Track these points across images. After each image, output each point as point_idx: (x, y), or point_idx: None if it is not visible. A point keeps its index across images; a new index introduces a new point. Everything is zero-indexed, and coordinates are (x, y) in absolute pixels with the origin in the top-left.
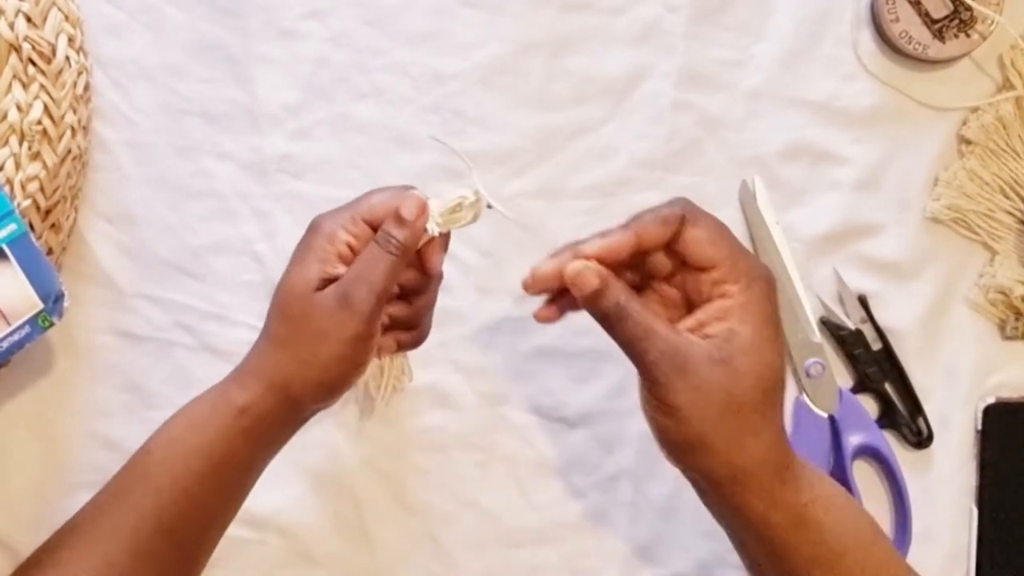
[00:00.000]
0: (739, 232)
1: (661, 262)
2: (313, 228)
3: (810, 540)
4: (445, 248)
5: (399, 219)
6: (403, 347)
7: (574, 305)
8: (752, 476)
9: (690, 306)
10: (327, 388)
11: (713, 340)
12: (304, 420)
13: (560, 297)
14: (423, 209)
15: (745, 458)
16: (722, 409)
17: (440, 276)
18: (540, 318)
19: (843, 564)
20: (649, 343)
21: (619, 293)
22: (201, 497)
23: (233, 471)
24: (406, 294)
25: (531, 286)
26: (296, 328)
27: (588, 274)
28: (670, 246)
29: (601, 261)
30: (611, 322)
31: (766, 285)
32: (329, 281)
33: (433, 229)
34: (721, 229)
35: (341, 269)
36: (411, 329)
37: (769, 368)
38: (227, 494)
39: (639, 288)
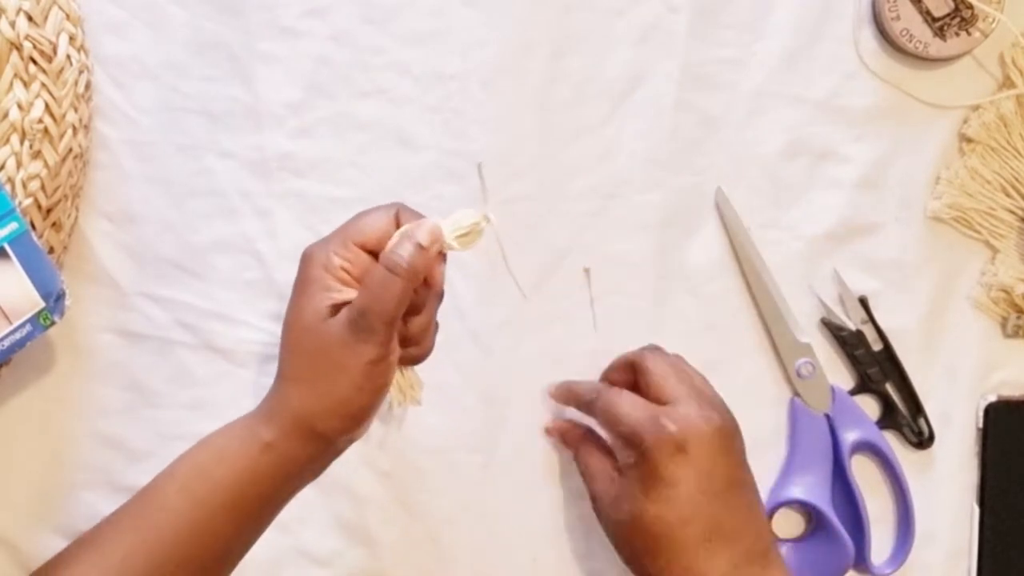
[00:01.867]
0: (720, 238)
1: None
2: (306, 259)
3: None
4: (444, 262)
5: (412, 242)
6: (409, 362)
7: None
8: None
9: None
10: (350, 418)
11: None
12: (337, 453)
13: None
14: (438, 235)
15: None
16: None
17: (441, 293)
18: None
19: None
20: None
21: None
22: (221, 529)
23: (256, 505)
24: (409, 311)
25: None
26: (311, 362)
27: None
28: None
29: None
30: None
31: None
32: (337, 308)
33: (452, 246)
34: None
35: (347, 294)
36: (415, 344)
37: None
38: (248, 527)
39: None
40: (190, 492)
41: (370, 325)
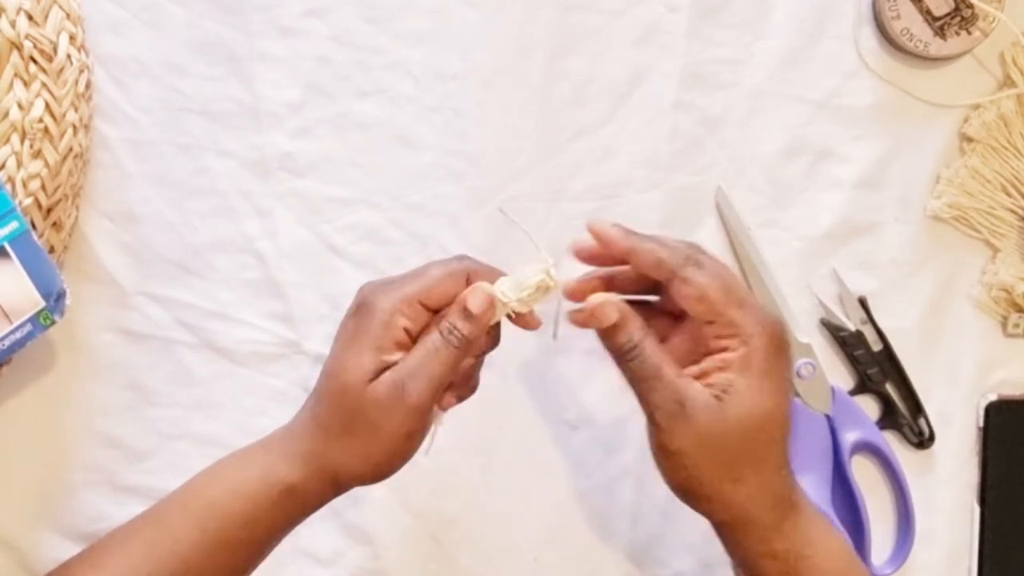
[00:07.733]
0: (720, 238)
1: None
2: (365, 306)
3: None
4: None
5: (466, 312)
6: (457, 401)
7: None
8: (747, 522)
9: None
10: (374, 477)
11: (713, 389)
12: (344, 492)
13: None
14: (490, 303)
15: (737, 505)
16: (716, 457)
17: (497, 341)
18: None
19: None
20: (654, 384)
21: (635, 331)
22: (231, 560)
23: (266, 538)
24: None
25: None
26: (349, 420)
27: (609, 307)
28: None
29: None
30: (622, 358)
31: (767, 340)
32: (384, 368)
33: (515, 306)
34: (716, 285)
35: (397, 356)
36: (462, 386)
37: (765, 418)
38: (255, 557)
39: (671, 326)
40: (202, 527)
41: (415, 393)
